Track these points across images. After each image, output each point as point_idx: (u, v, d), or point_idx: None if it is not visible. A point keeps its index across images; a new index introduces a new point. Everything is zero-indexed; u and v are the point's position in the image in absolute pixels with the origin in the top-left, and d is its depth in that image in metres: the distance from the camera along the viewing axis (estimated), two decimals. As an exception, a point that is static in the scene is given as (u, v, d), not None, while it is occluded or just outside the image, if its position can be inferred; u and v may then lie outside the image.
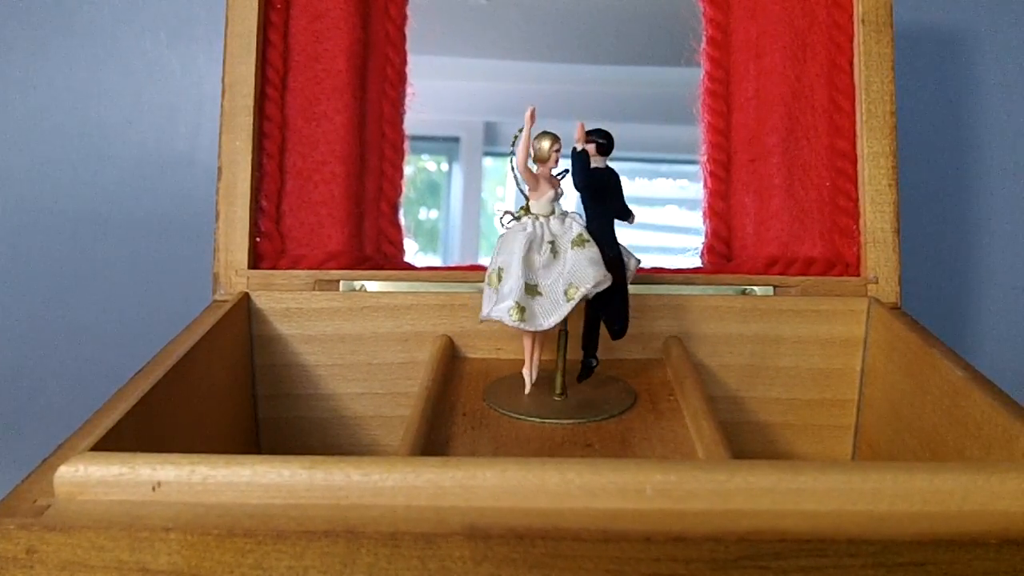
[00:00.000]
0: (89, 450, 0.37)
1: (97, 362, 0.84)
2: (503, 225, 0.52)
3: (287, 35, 0.64)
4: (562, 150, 0.51)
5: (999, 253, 0.87)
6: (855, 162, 0.63)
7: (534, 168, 0.51)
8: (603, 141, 0.51)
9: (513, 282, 0.50)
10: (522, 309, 0.49)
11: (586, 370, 0.56)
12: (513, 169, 0.51)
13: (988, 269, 0.87)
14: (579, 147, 0.51)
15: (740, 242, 0.65)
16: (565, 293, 0.50)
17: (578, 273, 0.50)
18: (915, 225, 0.82)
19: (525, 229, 0.51)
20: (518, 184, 0.52)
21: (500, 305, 0.50)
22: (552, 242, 0.51)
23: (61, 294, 0.85)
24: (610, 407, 0.53)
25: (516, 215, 0.52)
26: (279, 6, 0.63)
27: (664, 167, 0.69)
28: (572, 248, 0.51)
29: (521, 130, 0.50)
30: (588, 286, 0.50)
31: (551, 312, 0.50)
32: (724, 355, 0.61)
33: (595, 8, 0.68)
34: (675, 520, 0.33)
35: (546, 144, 0.50)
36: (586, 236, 0.51)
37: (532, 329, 0.50)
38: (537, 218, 0.51)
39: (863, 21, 0.62)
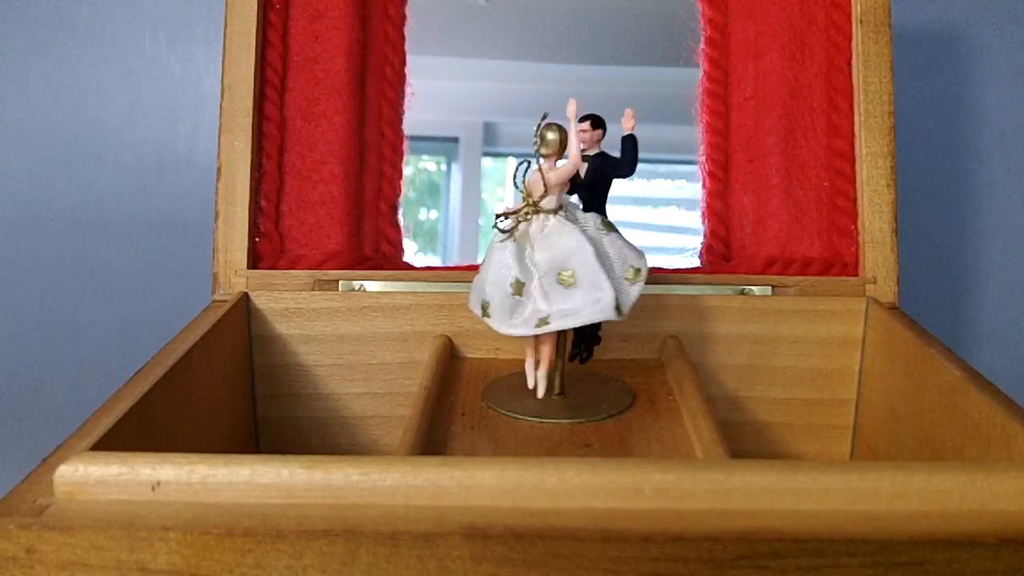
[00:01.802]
0: (88, 450, 0.37)
1: (96, 362, 0.85)
2: (500, 229, 0.51)
3: (286, 36, 0.64)
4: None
5: (997, 253, 0.87)
6: (853, 162, 0.63)
7: (543, 163, 0.50)
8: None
9: (604, 282, 0.48)
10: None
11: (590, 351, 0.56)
12: (534, 164, 0.50)
13: (986, 269, 0.87)
14: (632, 133, 0.52)
15: (738, 242, 0.65)
16: (626, 278, 0.50)
17: (629, 255, 0.50)
18: (913, 225, 0.83)
19: (571, 224, 0.50)
20: (546, 187, 0.50)
21: (598, 306, 0.48)
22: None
23: (60, 294, 0.85)
24: (609, 407, 0.53)
25: (524, 217, 0.50)
26: (278, 6, 0.63)
27: (662, 167, 0.69)
28: (606, 233, 0.50)
29: (543, 124, 0.49)
30: (645, 264, 0.50)
31: (627, 298, 0.49)
32: (722, 355, 0.61)
33: (594, 8, 0.68)
34: (673, 520, 0.33)
35: (557, 136, 0.50)
36: (609, 220, 0.51)
37: (616, 319, 0.48)
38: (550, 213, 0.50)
39: (861, 21, 0.63)
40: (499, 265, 0.50)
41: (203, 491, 0.34)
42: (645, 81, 0.68)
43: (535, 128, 0.50)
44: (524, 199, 0.50)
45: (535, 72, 0.69)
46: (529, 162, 0.50)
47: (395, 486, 0.34)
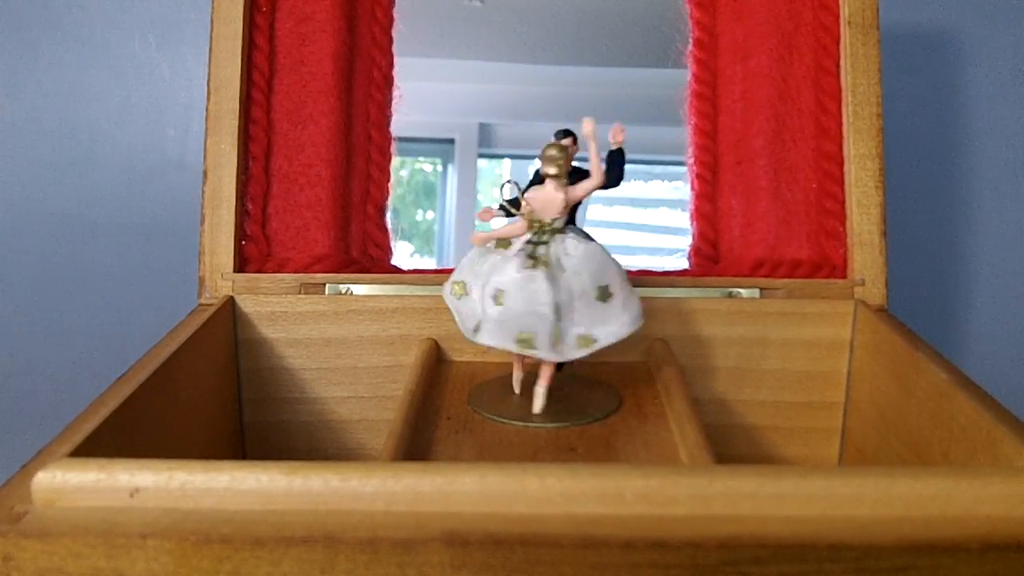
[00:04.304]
0: (67, 456, 0.36)
1: (85, 366, 0.84)
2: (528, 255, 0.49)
3: (272, 38, 0.64)
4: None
5: (986, 255, 0.87)
6: (841, 164, 0.62)
7: (554, 182, 0.49)
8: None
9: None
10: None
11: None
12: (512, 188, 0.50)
13: (974, 271, 0.87)
14: (618, 147, 0.52)
15: (727, 244, 0.65)
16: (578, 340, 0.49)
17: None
18: (902, 227, 0.82)
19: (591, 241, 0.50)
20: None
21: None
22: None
23: (48, 297, 0.85)
24: (594, 411, 0.53)
25: (540, 239, 0.49)
26: (264, 9, 0.63)
27: (658, 168, 0.69)
28: (596, 299, 0.49)
29: (559, 138, 0.49)
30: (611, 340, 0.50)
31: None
32: (710, 358, 0.61)
33: (588, 10, 0.68)
34: (655, 525, 0.33)
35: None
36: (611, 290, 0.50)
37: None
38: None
39: (849, 23, 0.62)
40: (533, 293, 0.48)
41: (182, 497, 0.34)
42: (642, 83, 0.68)
43: (547, 149, 0.48)
44: (529, 220, 0.49)
45: (530, 74, 0.69)
46: (516, 183, 0.50)
47: (375, 492, 0.34)
